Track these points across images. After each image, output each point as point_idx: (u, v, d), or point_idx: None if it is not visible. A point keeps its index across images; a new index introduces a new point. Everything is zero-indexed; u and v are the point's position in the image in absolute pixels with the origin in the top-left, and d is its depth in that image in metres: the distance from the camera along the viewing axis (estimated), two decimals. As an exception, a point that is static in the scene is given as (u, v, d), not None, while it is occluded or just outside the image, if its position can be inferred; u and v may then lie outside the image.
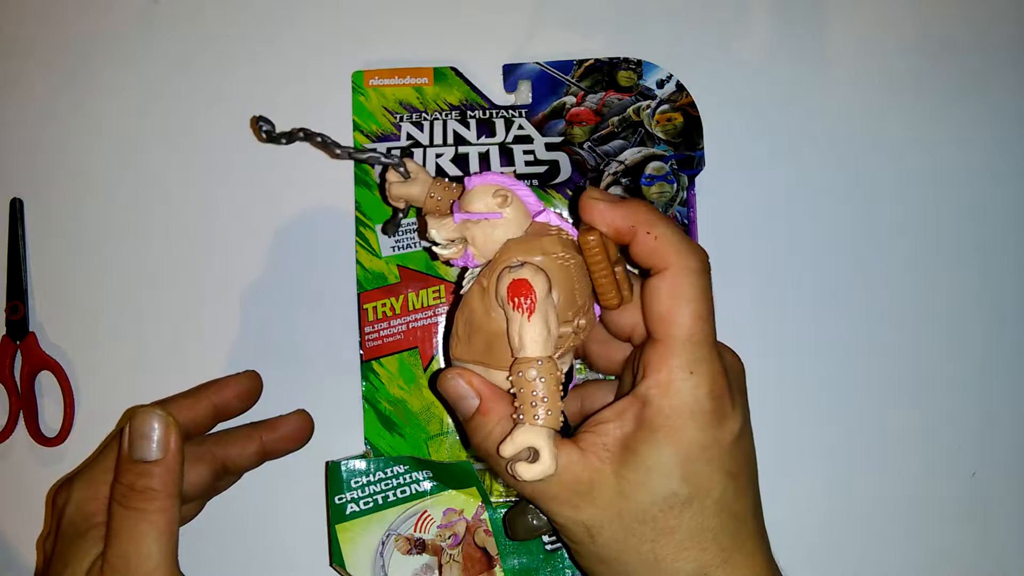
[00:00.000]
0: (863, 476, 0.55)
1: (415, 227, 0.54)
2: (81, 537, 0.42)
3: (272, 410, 0.52)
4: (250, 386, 0.52)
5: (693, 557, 0.38)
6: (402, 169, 0.46)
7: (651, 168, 0.54)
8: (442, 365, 0.53)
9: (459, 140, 0.54)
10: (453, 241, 0.41)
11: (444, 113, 0.55)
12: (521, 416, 0.38)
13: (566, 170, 0.54)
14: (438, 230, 0.41)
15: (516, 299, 0.37)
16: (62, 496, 0.45)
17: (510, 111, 0.55)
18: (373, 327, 0.53)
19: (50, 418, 0.56)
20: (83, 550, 0.42)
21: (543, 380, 0.37)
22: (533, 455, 0.38)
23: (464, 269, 0.42)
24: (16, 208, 0.57)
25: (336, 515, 0.51)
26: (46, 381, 0.56)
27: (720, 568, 0.39)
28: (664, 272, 0.39)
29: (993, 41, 0.58)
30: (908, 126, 0.57)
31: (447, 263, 0.42)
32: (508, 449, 0.38)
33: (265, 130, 0.46)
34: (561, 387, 0.38)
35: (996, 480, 0.55)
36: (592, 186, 0.48)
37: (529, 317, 0.37)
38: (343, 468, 0.51)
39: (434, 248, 0.41)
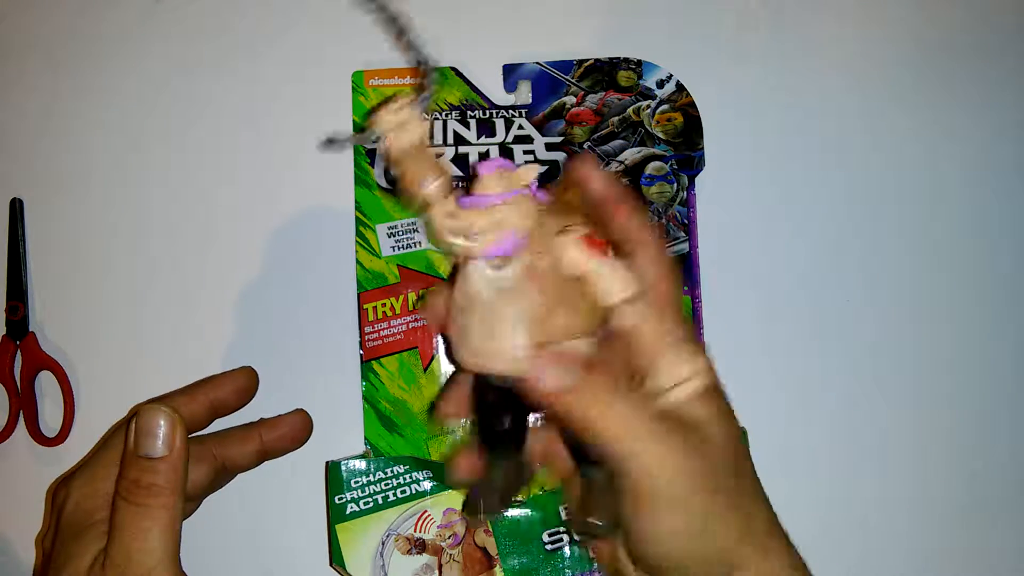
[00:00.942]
0: (863, 476, 0.55)
1: (414, 227, 0.54)
2: (82, 534, 0.42)
3: (272, 410, 0.52)
4: (246, 382, 0.52)
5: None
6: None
7: (651, 168, 0.54)
8: (444, 364, 0.53)
9: (459, 140, 0.54)
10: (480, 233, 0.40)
11: (444, 113, 0.55)
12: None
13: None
14: (478, 220, 0.39)
15: (599, 250, 0.39)
16: (61, 493, 0.45)
17: (510, 111, 0.55)
18: (373, 327, 0.53)
19: (50, 418, 0.56)
20: (84, 546, 0.42)
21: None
22: None
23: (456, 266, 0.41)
24: (16, 208, 0.57)
25: (336, 515, 0.51)
26: (46, 381, 0.56)
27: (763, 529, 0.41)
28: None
29: (994, 41, 0.58)
30: (908, 126, 0.57)
31: (472, 258, 0.40)
32: None
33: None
34: None
35: (996, 480, 0.55)
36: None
37: (615, 262, 0.39)
38: (343, 468, 0.51)
39: (467, 241, 0.39)
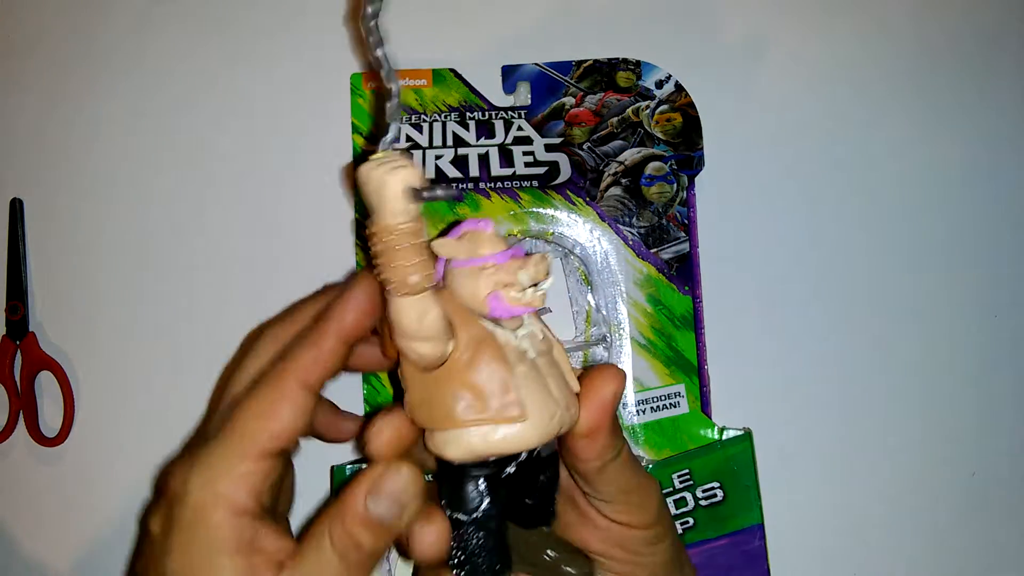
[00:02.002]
0: (863, 476, 0.55)
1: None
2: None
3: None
4: (368, 297, 0.39)
5: None
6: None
7: (651, 168, 0.54)
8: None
9: (458, 142, 0.54)
10: None
11: (443, 115, 0.54)
12: None
13: (566, 171, 0.54)
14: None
15: None
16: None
17: (509, 112, 0.55)
18: (373, 328, 0.53)
19: (50, 418, 0.56)
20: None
21: None
22: None
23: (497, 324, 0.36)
24: (16, 208, 0.57)
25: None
26: (46, 381, 0.56)
27: None
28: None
29: (996, 40, 0.58)
30: (909, 125, 0.57)
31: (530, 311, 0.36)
32: None
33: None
34: None
35: (996, 480, 0.55)
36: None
37: None
38: (347, 472, 0.51)
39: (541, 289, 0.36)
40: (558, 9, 0.57)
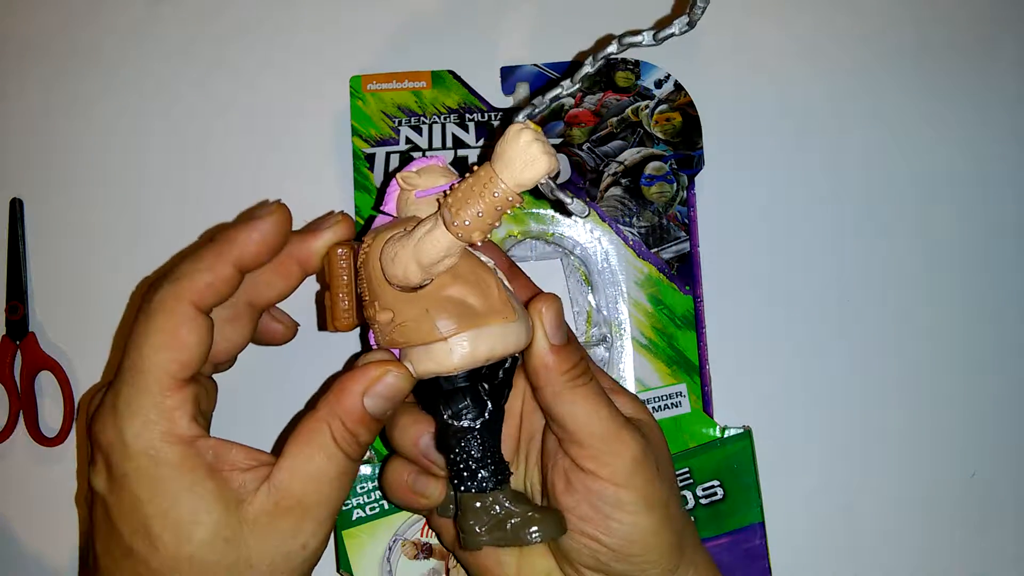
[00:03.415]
0: (863, 476, 0.55)
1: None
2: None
3: (270, 413, 0.52)
4: (275, 233, 0.40)
5: None
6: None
7: (651, 168, 0.54)
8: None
9: (458, 143, 0.54)
10: None
11: (442, 116, 0.54)
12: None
13: (565, 172, 0.54)
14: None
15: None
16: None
17: (509, 113, 0.55)
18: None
19: (50, 418, 0.56)
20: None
21: None
22: None
23: None
24: (16, 208, 0.57)
25: (342, 521, 0.51)
26: (46, 381, 0.56)
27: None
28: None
29: (996, 39, 0.58)
30: (909, 124, 0.57)
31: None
32: None
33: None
34: None
35: (996, 480, 0.55)
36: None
37: None
38: None
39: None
40: (557, 9, 0.57)
